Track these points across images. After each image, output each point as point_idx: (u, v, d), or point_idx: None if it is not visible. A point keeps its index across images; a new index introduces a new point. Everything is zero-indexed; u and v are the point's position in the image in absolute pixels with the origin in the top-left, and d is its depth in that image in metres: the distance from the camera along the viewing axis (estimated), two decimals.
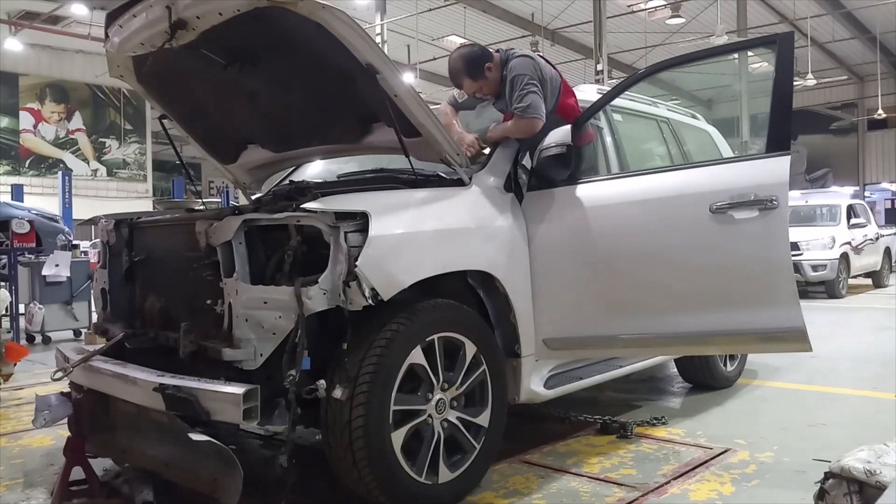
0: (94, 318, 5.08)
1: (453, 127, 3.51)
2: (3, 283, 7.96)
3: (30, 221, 7.89)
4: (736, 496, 2.85)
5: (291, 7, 2.48)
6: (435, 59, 20.48)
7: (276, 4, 2.48)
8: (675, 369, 4.82)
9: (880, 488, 2.05)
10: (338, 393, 2.43)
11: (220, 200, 12.81)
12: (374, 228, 2.50)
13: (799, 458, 3.29)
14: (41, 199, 7.89)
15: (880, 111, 20.96)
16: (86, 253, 9.50)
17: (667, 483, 2.98)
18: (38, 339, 8.06)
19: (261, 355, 2.50)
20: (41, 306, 7.89)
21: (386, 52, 3.27)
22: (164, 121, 3.58)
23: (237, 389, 2.31)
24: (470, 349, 2.81)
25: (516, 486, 2.98)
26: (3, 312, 7.60)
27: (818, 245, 11.15)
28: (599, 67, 13.40)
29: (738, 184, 2.89)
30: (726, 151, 5.25)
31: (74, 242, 8.93)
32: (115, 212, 3.50)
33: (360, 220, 2.52)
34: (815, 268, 11.05)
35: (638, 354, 3.39)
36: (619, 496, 2.85)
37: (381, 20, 15.69)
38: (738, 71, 15.66)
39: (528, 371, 3.13)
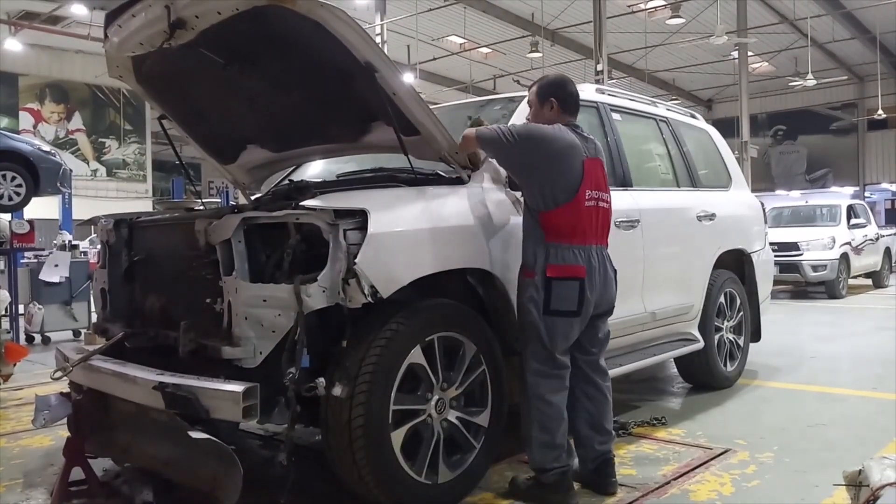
0: (94, 318, 5.07)
1: None
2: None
3: (28, 158, 7.66)
4: (736, 496, 2.85)
5: (290, 6, 2.47)
6: (435, 59, 20.49)
7: (275, 3, 2.48)
8: (675, 369, 4.82)
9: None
10: (337, 391, 2.43)
11: (219, 200, 12.76)
12: (374, 226, 2.49)
13: (799, 458, 3.28)
14: (41, 198, 7.86)
15: (880, 111, 20.92)
16: (85, 253, 9.49)
17: (667, 483, 2.98)
18: (38, 339, 8.06)
19: (260, 353, 2.50)
20: (41, 306, 7.89)
21: (386, 52, 3.25)
22: (164, 121, 3.58)
23: (237, 387, 2.31)
24: (470, 349, 2.81)
25: None
26: (3, 312, 7.58)
27: (818, 245, 11.14)
28: (599, 67, 13.36)
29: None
30: (725, 151, 5.27)
31: (74, 242, 8.90)
32: (115, 212, 3.50)
33: (360, 218, 2.51)
34: (815, 268, 11.04)
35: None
36: (619, 496, 2.85)
37: (381, 20, 15.66)
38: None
39: None
